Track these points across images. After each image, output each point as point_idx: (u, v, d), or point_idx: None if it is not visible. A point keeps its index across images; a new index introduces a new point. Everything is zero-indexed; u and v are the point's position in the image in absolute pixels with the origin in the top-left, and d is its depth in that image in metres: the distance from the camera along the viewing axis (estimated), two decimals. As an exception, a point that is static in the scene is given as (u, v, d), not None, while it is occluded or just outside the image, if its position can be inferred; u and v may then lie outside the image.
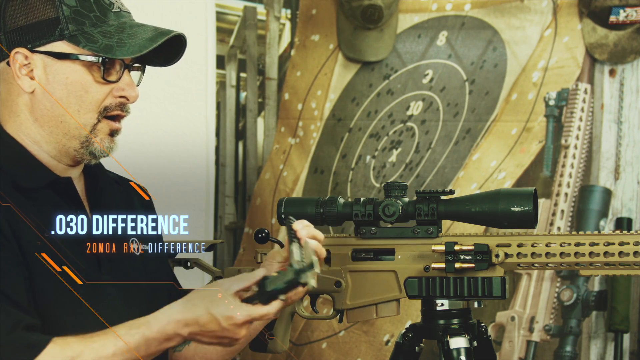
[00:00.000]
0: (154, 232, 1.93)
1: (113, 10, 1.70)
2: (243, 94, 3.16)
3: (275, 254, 1.86)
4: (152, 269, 1.86)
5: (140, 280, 1.81)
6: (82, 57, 1.68)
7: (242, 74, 3.15)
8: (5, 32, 1.69)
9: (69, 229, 1.69)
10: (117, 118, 1.74)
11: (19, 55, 1.68)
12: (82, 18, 1.68)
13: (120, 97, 1.72)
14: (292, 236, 1.71)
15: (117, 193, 1.84)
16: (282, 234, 3.11)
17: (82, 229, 1.71)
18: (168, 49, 1.75)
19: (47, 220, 1.66)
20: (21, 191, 1.65)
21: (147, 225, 1.93)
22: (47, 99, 1.69)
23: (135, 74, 1.77)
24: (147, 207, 1.95)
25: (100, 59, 1.67)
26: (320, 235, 1.77)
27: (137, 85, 1.78)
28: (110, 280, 1.73)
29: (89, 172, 1.81)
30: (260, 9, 3.15)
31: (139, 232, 1.85)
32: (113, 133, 1.74)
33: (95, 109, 1.70)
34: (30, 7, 1.68)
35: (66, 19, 1.67)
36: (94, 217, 1.75)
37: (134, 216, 1.86)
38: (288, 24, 3.17)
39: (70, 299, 1.66)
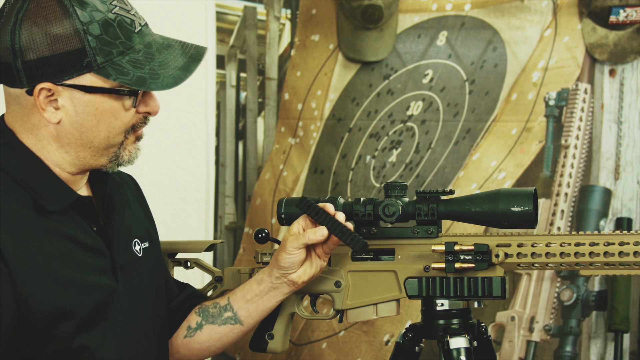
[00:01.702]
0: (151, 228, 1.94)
1: (136, 31, 1.65)
2: (243, 94, 3.16)
3: (293, 239, 1.83)
4: (154, 266, 1.86)
5: (145, 282, 1.80)
6: (113, 91, 1.63)
7: (242, 74, 3.15)
8: (24, 61, 1.60)
9: (89, 243, 1.68)
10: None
11: (43, 90, 1.61)
12: (108, 47, 1.61)
13: (145, 112, 1.70)
14: (321, 214, 1.80)
15: (121, 195, 1.83)
16: (282, 234, 3.11)
17: (98, 243, 1.70)
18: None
19: (69, 238, 1.65)
20: (43, 213, 1.62)
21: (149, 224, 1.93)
22: (76, 129, 1.64)
23: None
24: (141, 200, 1.95)
25: (137, 92, 1.65)
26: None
27: None
28: (123, 289, 1.72)
29: (94, 174, 1.80)
30: (260, 9, 3.15)
31: (137, 233, 1.85)
32: (137, 139, 1.73)
33: (123, 130, 1.68)
34: (52, 37, 1.60)
35: (93, 50, 1.60)
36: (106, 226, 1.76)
37: (131, 216, 1.86)
38: (288, 24, 3.17)
39: (95, 314, 1.66)
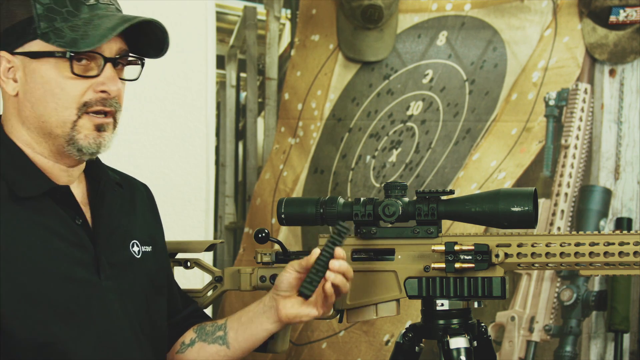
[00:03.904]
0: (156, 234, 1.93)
1: (88, 4, 1.69)
2: (243, 94, 3.16)
3: (295, 264, 1.80)
4: (153, 270, 1.85)
5: (140, 283, 1.80)
6: (50, 54, 1.67)
7: (242, 74, 3.15)
8: None
9: (64, 233, 1.69)
10: (106, 114, 1.71)
11: (2, 59, 1.68)
12: (53, 14, 1.67)
13: (101, 91, 1.70)
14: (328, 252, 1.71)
15: (117, 195, 1.83)
16: (282, 234, 3.11)
17: (79, 235, 1.70)
18: (156, 38, 1.73)
19: (43, 226, 1.66)
20: (18, 201, 1.65)
21: (149, 227, 1.92)
22: (28, 100, 1.69)
23: (134, 68, 1.76)
24: (152, 208, 1.94)
25: (68, 53, 1.66)
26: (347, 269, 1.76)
27: (136, 79, 1.76)
28: (111, 286, 1.72)
29: (90, 173, 1.81)
30: (260, 9, 3.15)
31: (137, 235, 1.84)
32: (100, 128, 1.71)
33: (73, 105, 1.68)
34: (10, 10, 1.68)
35: (39, 17, 1.66)
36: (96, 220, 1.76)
37: (134, 219, 1.86)
38: (288, 24, 3.17)
39: (68, 308, 1.65)
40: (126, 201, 1.85)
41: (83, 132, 1.69)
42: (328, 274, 1.74)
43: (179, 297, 1.99)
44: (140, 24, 1.70)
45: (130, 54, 1.75)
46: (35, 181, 1.69)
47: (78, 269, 1.67)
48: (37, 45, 1.67)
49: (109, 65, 1.70)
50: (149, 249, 1.84)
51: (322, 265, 1.73)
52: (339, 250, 1.74)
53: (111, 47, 1.70)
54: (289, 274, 1.78)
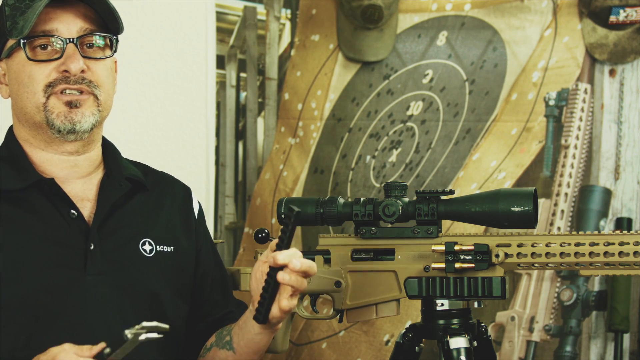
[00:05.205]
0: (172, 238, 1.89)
1: None
2: (243, 94, 3.16)
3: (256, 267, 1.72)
4: (172, 271, 1.82)
5: (148, 281, 1.78)
6: (11, 47, 1.73)
7: (242, 74, 3.15)
8: None
9: (50, 233, 1.70)
10: (81, 93, 1.73)
11: None
12: (15, 11, 1.72)
13: (64, 71, 1.72)
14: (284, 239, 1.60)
15: (120, 191, 1.81)
16: (282, 234, 3.11)
17: (63, 228, 1.70)
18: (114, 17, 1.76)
19: (23, 226, 1.68)
20: (6, 197, 1.68)
21: (163, 229, 1.89)
22: (13, 98, 1.76)
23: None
24: (185, 211, 1.91)
25: (21, 42, 1.71)
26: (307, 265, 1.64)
27: (113, 54, 1.78)
28: (103, 281, 1.70)
29: (107, 167, 1.83)
30: (260, 9, 3.15)
31: (154, 234, 1.83)
32: (71, 104, 1.73)
33: (39, 89, 1.72)
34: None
35: (6, 18, 1.72)
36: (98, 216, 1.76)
37: (154, 218, 1.85)
38: (288, 24, 3.17)
39: (42, 311, 1.66)
40: (148, 199, 1.84)
41: (55, 112, 1.73)
42: (281, 283, 1.62)
43: (214, 301, 1.93)
44: (97, 5, 1.74)
45: (91, 32, 1.75)
46: (22, 174, 1.72)
47: (54, 267, 1.67)
48: (8, 44, 1.75)
49: (69, 46, 1.72)
50: (168, 249, 1.81)
51: (269, 283, 1.62)
52: (282, 255, 1.61)
53: (70, 28, 1.73)
54: (255, 278, 1.69)
